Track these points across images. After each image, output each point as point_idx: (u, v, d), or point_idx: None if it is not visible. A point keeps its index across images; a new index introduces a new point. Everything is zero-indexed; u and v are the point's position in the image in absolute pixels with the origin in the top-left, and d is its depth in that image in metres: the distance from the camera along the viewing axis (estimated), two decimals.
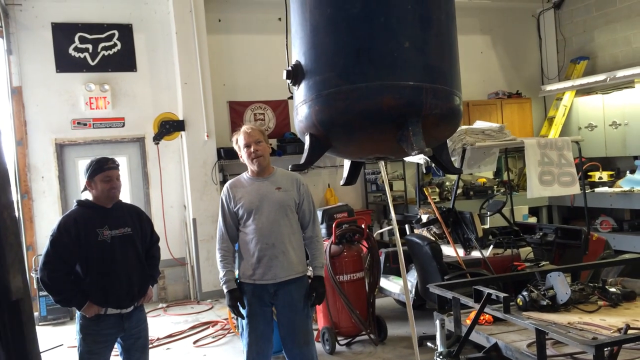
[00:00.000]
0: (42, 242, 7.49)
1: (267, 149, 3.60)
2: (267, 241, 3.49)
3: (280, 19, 8.08)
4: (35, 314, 7.00)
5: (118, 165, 3.51)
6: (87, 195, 3.49)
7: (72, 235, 3.30)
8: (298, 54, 1.98)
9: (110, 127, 7.93)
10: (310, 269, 3.69)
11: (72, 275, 3.35)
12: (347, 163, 2.23)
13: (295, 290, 3.56)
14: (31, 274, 7.06)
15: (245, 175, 3.66)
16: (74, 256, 3.32)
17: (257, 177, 3.60)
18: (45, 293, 7.02)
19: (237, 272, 3.64)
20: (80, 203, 3.49)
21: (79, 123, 7.78)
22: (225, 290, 3.56)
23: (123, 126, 8.00)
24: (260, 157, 3.53)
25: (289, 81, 1.95)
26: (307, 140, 1.92)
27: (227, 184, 3.69)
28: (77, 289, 3.33)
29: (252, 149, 3.51)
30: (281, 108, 8.77)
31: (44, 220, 7.56)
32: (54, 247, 3.30)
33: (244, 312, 3.56)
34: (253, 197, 3.54)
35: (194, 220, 7.95)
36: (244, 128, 3.60)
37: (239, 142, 3.59)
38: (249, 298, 3.54)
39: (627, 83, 8.56)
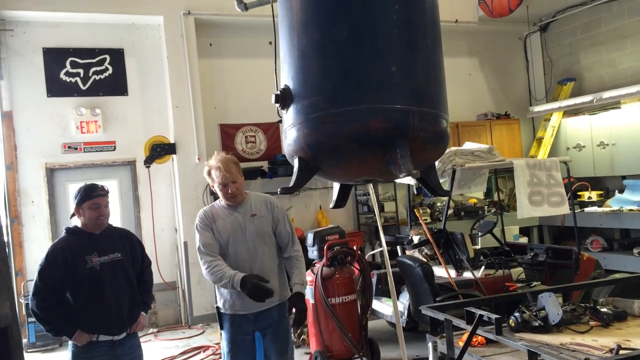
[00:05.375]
0: (32, 267, 7.41)
1: (242, 184, 3.53)
2: (245, 271, 3.39)
3: (270, 42, 8.16)
4: (24, 340, 6.90)
5: (107, 192, 3.47)
6: (77, 221, 3.48)
7: (59, 264, 3.29)
8: (286, 78, 2.00)
9: (101, 150, 7.93)
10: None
11: (62, 304, 3.33)
12: (336, 186, 2.24)
13: (277, 313, 3.52)
14: (20, 300, 6.98)
15: (219, 203, 3.60)
16: (62, 285, 3.32)
17: (232, 206, 3.55)
18: (35, 320, 6.97)
19: (219, 302, 3.57)
20: (69, 230, 3.47)
21: (69, 147, 7.77)
22: (239, 285, 3.25)
23: (114, 150, 8.00)
24: (236, 197, 3.49)
25: (277, 105, 1.98)
26: (295, 163, 1.93)
27: (201, 211, 3.60)
28: (67, 318, 3.32)
29: (229, 190, 3.45)
30: (272, 130, 8.81)
31: (34, 245, 7.50)
32: (41, 277, 3.30)
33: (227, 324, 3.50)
34: (229, 227, 3.48)
35: (185, 243, 7.91)
36: (219, 164, 3.44)
37: (213, 175, 3.48)
38: (228, 326, 3.49)
39: (614, 104, 8.69)
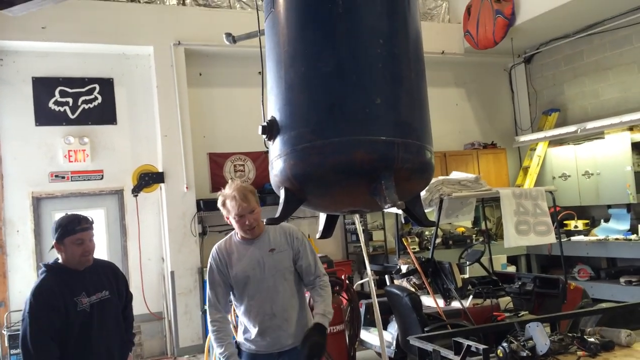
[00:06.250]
0: (16, 298, 7.29)
1: (259, 214, 3.22)
2: (266, 312, 3.18)
3: (260, 72, 8.26)
4: None
5: (92, 223, 3.09)
6: (55, 253, 3.09)
7: (54, 309, 2.89)
8: (273, 109, 2.03)
9: (88, 179, 7.89)
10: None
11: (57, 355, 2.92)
12: (322, 216, 2.26)
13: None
14: (2, 332, 6.84)
15: (235, 237, 3.32)
16: (58, 332, 2.90)
17: (249, 240, 3.27)
18: (17, 351, 6.82)
19: (238, 337, 3.35)
20: (49, 268, 3.04)
21: (56, 176, 7.73)
22: None
23: (102, 179, 7.97)
24: (254, 229, 3.19)
25: (264, 136, 2.00)
26: (282, 194, 1.95)
27: (216, 247, 3.32)
28: None
29: (246, 222, 3.14)
30: (261, 159, 8.84)
31: (18, 274, 7.40)
32: (38, 328, 2.83)
33: None
34: (246, 265, 3.21)
35: (172, 272, 7.83)
36: (235, 192, 3.12)
37: (228, 206, 3.16)
38: None
39: (598, 134, 8.83)
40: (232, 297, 3.30)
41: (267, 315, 3.19)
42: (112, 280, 3.22)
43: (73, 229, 2.98)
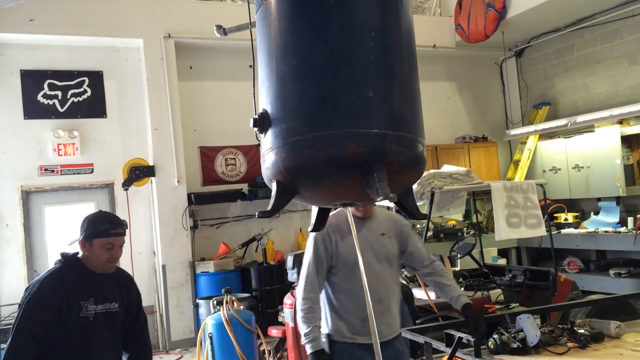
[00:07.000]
0: (5, 291, 7.26)
1: None
2: (373, 296, 2.94)
3: (251, 66, 8.21)
4: None
5: (126, 227, 2.83)
6: (75, 246, 2.82)
7: (52, 308, 2.60)
8: (265, 102, 2.02)
9: (78, 173, 7.84)
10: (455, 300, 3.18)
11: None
12: (314, 209, 2.25)
13: (400, 344, 3.17)
14: None
15: (345, 212, 3.08)
16: (49, 336, 2.60)
17: (359, 219, 3.10)
18: (4, 346, 6.76)
19: (328, 328, 3.10)
20: (67, 262, 2.76)
21: (46, 170, 7.67)
22: (309, 352, 2.84)
23: (92, 172, 7.92)
24: (366, 208, 3.06)
25: (256, 129, 1.99)
26: (273, 187, 1.94)
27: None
28: None
29: None
30: (252, 153, 8.82)
31: (7, 269, 7.36)
32: (27, 321, 2.56)
33: None
34: (359, 245, 3.07)
35: (164, 266, 7.82)
36: None
37: None
38: (346, 358, 3.01)
39: (587, 128, 8.89)
40: (327, 280, 3.08)
41: (373, 299, 2.94)
42: (124, 294, 2.94)
43: (107, 231, 2.73)
